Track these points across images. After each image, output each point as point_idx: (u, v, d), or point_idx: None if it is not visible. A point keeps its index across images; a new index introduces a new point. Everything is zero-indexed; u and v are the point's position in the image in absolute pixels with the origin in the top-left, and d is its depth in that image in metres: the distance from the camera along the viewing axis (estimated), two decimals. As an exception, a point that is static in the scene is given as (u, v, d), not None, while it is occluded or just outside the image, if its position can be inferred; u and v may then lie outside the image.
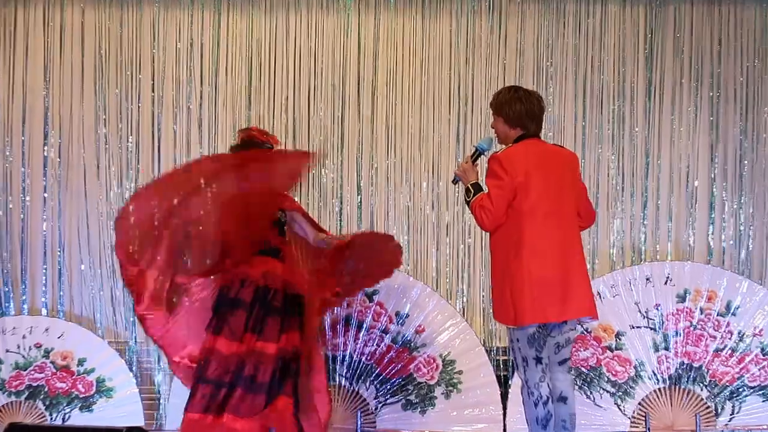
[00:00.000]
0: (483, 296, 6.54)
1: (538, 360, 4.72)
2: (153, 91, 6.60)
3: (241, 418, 5.05)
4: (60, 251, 6.55)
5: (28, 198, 6.57)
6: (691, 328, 6.16)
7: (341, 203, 6.59)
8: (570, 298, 4.69)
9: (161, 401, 6.36)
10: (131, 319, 6.41)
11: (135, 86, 6.60)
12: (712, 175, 6.67)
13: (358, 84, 6.66)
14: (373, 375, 6.15)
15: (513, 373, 6.14)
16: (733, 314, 6.16)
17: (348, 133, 6.64)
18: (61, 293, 6.53)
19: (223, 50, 6.63)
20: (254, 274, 5.24)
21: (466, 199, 4.86)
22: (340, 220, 6.59)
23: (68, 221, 6.56)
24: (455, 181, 4.98)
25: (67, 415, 6.20)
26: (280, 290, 5.25)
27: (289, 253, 5.44)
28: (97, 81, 6.59)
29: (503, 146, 4.90)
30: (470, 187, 4.82)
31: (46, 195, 6.57)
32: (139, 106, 6.60)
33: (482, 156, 4.91)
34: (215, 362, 5.11)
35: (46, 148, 6.57)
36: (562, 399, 4.81)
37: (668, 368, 6.14)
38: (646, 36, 6.67)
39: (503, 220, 4.72)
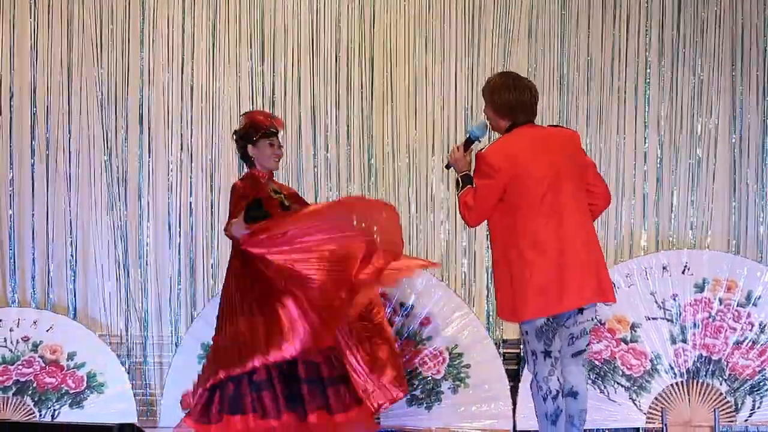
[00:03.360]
0: (491, 286, 6.37)
1: (547, 354, 4.65)
2: (143, 76, 6.50)
3: None
4: (51, 242, 6.46)
5: (15, 188, 6.46)
6: (710, 320, 6.05)
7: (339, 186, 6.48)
8: (569, 287, 4.59)
9: (154, 397, 6.27)
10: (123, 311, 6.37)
11: (128, 72, 6.49)
12: (732, 160, 6.52)
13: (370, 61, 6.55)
14: (377, 369, 6.00)
15: (523, 367, 6.03)
16: (754, 305, 6.04)
17: (351, 110, 6.52)
18: (52, 285, 6.44)
19: (222, 31, 6.53)
20: None
21: (456, 191, 4.81)
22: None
23: (58, 211, 6.47)
24: (448, 167, 4.92)
25: (56, 412, 6.10)
26: None
27: None
28: (87, 65, 6.48)
29: (497, 134, 4.82)
30: (459, 179, 4.77)
31: (34, 185, 6.45)
32: (127, 95, 6.51)
33: (476, 142, 4.84)
34: None
35: (34, 136, 6.46)
36: (573, 394, 4.73)
37: (686, 361, 6.02)
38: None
39: (485, 219, 4.71)
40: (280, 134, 5.50)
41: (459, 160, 4.78)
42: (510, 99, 4.67)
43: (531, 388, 4.75)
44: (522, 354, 4.80)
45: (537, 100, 4.76)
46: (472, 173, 4.73)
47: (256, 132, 5.35)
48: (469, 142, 4.81)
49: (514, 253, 4.61)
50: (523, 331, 4.69)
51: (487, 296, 6.41)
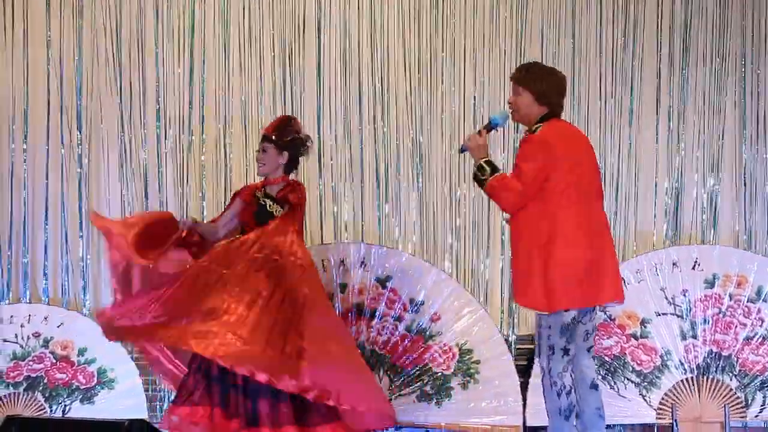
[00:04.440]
0: (503, 282, 6.40)
1: (566, 351, 4.65)
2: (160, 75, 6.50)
3: None
4: (63, 240, 6.45)
5: (28, 183, 6.46)
6: (720, 315, 6.02)
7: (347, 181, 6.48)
8: (604, 281, 4.65)
9: (165, 393, 6.20)
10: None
11: (141, 69, 6.49)
12: (741, 155, 6.49)
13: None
14: (387, 365, 6.02)
15: (534, 363, 5.97)
16: (765, 300, 6.02)
17: (361, 107, 6.50)
18: (63, 282, 6.42)
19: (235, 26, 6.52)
20: None
21: (479, 177, 4.73)
22: (354, 199, 6.48)
23: (71, 208, 6.45)
24: (462, 151, 4.87)
25: (67, 407, 6.10)
26: None
27: None
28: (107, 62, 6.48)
29: (522, 124, 4.83)
30: (484, 165, 4.71)
31: (48, 182, 6.45)
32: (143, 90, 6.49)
33: (494, 131, 4.85)
34: None
35: (48, 134, 6.46)
36: (594, 386, 4.77)
37: (696, 357, 6.00)
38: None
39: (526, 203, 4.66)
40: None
41: (480, 146, 4.73)
42: (553, 86, 4.74)
43: (543, 382, 4.72)
44: (537, 349, 4.72)
45: None
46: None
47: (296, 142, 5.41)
48: (489, 129, 4.79)
49: (548, 241, 4.59)
50: (545, 324, 4.65)
51: (501, 292, 6.39)
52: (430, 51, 6.53)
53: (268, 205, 5.31)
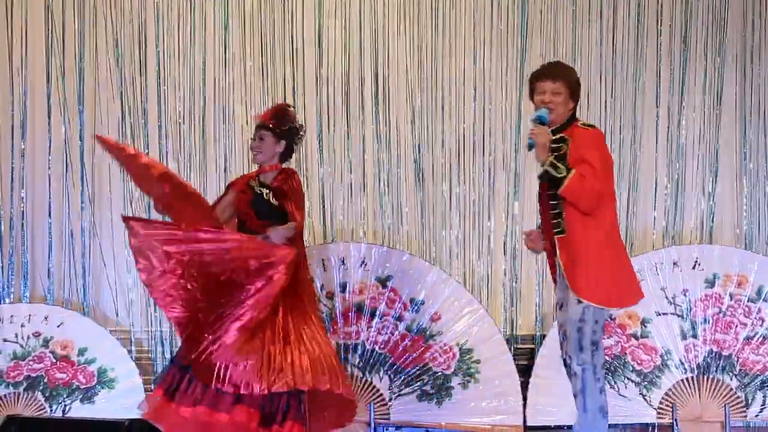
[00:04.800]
0: (505, 282, 6.38)
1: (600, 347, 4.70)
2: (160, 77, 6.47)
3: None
4: (68, 238, 6.42)
5: (28, 183, 6.44)
6: (721, 315, 6.02)
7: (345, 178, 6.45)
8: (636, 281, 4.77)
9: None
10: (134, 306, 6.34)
11: (143, 68, 6.46)
12: (742, 155, 6.48)
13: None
14: (387, 365, 6.02)
15: (534, 363, 6.03)
16: (765, 300, 6.02)
17: (363, 104, 6.49)
18: (63, 281, 6.40)
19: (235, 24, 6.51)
20: None
21: (553, 176, 4.57)
22: (351, 196, 6.44)
23: (72, 208, 6.44)
24: (531, 147, 4.65)
25: (67, 407, 6.08)
26: None
27: None
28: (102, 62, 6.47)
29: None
30: (557, 163, 4.58)
31: (50, 181, 6.43)
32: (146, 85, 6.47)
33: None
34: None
35: (50, 134, 6.43)
36: (602, 387, 4.77)
37: (696, 357, 6.00)
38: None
39: None
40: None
41: (547, 143, 4.60)
42: (579, 84, 4.77)
43: (587, 380, 4.59)
44: (574, 344, 4.60)
45: None
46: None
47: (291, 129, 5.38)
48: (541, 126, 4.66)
49: (608, 237, 4.61)
50: (591, 319, 4.58)
51: (503, 291, 6.38)
52: (432, 49, 6.51)
53: (264, 194, 5.27)
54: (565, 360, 4.67)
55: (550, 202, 4.65)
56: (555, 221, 4.65)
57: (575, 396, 4.64)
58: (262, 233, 5.11)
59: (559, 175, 4.55)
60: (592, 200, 4.55)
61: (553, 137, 4.62)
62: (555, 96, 4.68)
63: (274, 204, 5.24)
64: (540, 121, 4.65)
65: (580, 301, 4.56)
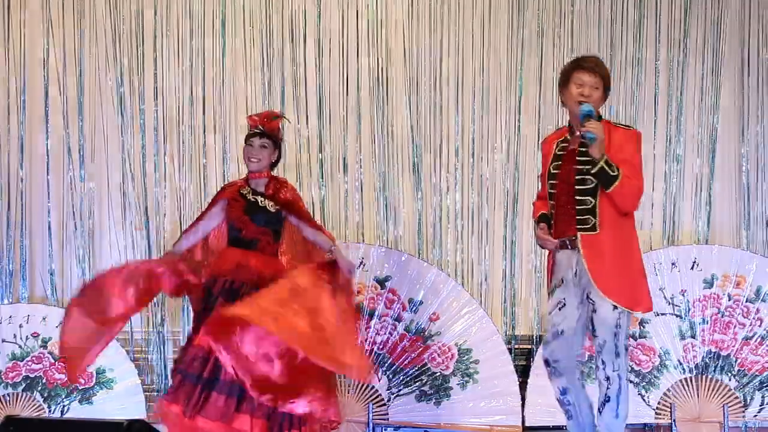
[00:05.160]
0: (505, 282, 6.38)
1: None
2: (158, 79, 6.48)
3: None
4: (59, 238, 6.42)
5: (26, 183, 6.43)
6: (719, 315, 6.01)
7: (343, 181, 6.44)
8: None
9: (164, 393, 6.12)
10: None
11: (141, 68, 6.47)
12: (740, 155, 6.48)
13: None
14: (386, 365, 6.01)
15: (533, 363, 6.04)
16: (763, 300, 6.01)
17: (358, 106, 6.48)
18: (63, 281, 6.42)
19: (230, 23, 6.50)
20: (225, 268, 5.08)
21: (608, 174, 4.47)
22: (348, 196, 6.44)
23: (66, 208, 6.42)
24: (592, 140, 4.47)
25: (65, 408, 6.08)
26: (251, 284, 5.03)
27: (267, 246, 5.20)
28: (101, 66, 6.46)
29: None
30: (617, 167, 4.48)
31: (49, 179, 6.43)
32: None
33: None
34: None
35: (48, 134, 6.42)
36: None
37: (695, 357, 5.99)
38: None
39: None
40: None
41: (604, 139, 4.48)
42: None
43: (624, 386, 4.56)
44: (613, 350, 4.54)
45: None
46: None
47: (246, 135, 5.30)
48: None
49: (634, 239, 4.61)
50: (626, 325, 4.55)
51: (503, 292, 6.37)
52: (430, 49, 6.52)
53: (259, 201, 5.24)
54: (551, 361, 4.61)
55: (578, 197, 4.53)
56: (583, 217, 4.53)
57: (605, 401, 4.55)
58: (257, 239, 5.12)
59: (613, 174, 4.46)
60: (637, 201, 4.57)
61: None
62: (593, 90, 4.60)
63: (271, 211, 5.23)
64: (591, 115, 4.52)
65: (616, 307, 4.50)
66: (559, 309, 4.65)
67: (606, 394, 4.56)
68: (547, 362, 4.66)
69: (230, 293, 5.00)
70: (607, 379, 4.55)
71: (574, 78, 4.61)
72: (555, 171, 4.65)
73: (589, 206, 4.53)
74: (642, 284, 4.60)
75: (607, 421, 4.57)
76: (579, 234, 4.54)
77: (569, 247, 4.59)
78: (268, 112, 5.56)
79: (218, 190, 5.43)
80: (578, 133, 4.57)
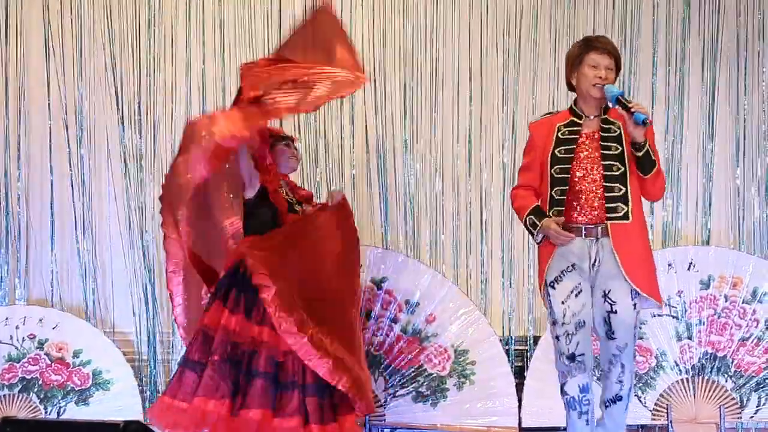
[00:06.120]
0: (503, 281, 6.38)
1: None
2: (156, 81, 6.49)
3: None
4: (56, 239, 6.43)
5: (24, 184, 6.44)
6: (716, 317, 5.99)
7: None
8: None
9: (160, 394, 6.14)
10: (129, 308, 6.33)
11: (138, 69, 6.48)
12: (736, 156, 6.48)
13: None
14: (382, 366, 6.00)
15: (529, 365, 6.05)
16: (760, 301, 5.98)
17: (359, 102, 6.48)
18: (59, 283, 6.42)
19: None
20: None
21: (652, 160, 4.41)
22: (353, 193, 6.45)
23: (64, 210, 6.43)
24: (646, 123, 4.35)
25: (62, 409, 6.07)
26: None
27: None
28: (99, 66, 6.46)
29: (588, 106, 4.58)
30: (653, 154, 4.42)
31: (53, 183, 6.43)
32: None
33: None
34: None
35: (50, 134, 6.43)
36: None
37: (691, 358, 5.97)
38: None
39: None
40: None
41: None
42: None
43: (633, 386, 4.58)
44: (631, 345, 4.56)
45: None
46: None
47: (271, 136, 5.34)
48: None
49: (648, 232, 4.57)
50: (639, 323, 4.56)
51: (499, 292, 6.36)
52: (424, 46, 6.52)
53: (295, 204, 5.32)
54: (577, 355, 4.47)
55: (608, 184, 4.40)
56: (613, 205, 4.41)
57: (616, 399, 4.51)
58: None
59: (654, 159, 4.38)
60: (664, 188, 4.55)
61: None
62: (609, 72, 4.47)
63: (297, 211, 5.29)
64: (623, 97, 4.38)
65: (635, 306, 4.45)
66: (576, 296, 4.49)
67: (618, 394, 4.53)
68: (572, 357, 4.49)
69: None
70: (620, 381, 4.53)
71: (587, 60, 4.48)
72: (565, 155, 4.49)
73: (620, 194, 4.41)
74: (656, 278, 4.55)
75: (616, 416, 4.54)
76: (608, 223, 4.41)
77: (592, 236, 4.44)
78: None
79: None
80: (605, 115, 4.48)
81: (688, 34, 6.47)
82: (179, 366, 4.97)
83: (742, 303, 5.98)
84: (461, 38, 6.49)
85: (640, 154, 4.37)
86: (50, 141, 6.43)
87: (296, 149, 5.38)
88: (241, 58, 6.29)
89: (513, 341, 6.29)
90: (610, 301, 4.45)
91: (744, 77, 6.48)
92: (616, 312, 4.44)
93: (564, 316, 4.50)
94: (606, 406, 4.59)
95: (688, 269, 6.02)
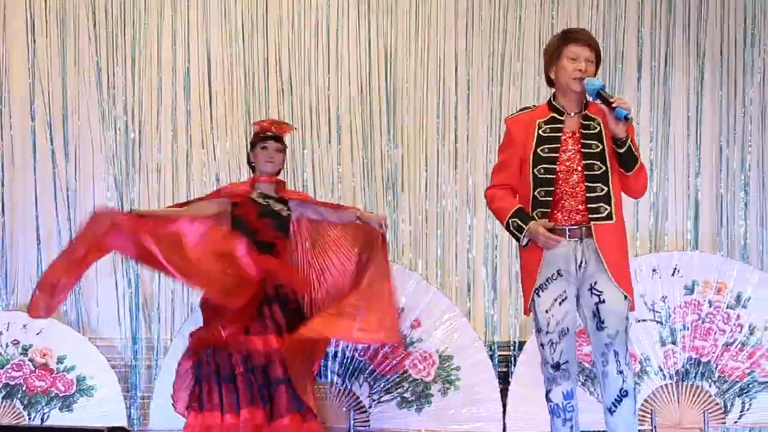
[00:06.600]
0: (485, 288, 6.37)
1: None
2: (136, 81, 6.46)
3: None
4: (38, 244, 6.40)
5: (9, 190, 6.42)
6: (700, 322, 5.99)
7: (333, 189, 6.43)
8: None
9: (145, 400, 6.18)
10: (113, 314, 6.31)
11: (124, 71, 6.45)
12: (719, 162, 6.48)
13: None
14: (367, 372, 5.99)
15: (513, 370, 6.04)
16: (744, 306, 5.99)
17: (339, 111, 6.47)
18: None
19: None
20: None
21: (635, 156, 4.31)
22: (339, 196, 6.43)
23: (48, 214, 6.40)
24: (628, 119, 4.24)
25: (46, 415, 6.04)
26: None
27: (283, 250, 5.34)
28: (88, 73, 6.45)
29: (568, 102, 4.47)
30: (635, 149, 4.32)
31: (37, 188, 6.41)
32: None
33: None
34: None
35: (35, 140, 6.40)
36: None
37: (675, 363, 5.98)
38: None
39: None
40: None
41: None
42: None
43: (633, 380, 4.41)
44: (625, 347, 4.39)
45: None
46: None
47: (255, 138, 5.43)
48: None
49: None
50: (628, 318, 4.42)
51: (484, 296, 6.35)
52: (406, 56, 6.52)
53: (270, 204, 5.31)
54: (561, 363, 4.40)
55: (591, 184, 4.30)
56: (596, 205, 4.31)
57: (622, 396, 4.33)
58: (274, 243, 5.25)
59: (636, 155, 4.29)
60: (647, 185, 4.47)
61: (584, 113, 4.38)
62: (589, 65, 4.34)
63: (282, 215, 5.31)
64: (604, 90, 4.27)
65: (626, 297, 4.34)
66: (560, 304, 4.39)
67: (623, 388, 4.34)
68: (557, 366, 4.42)
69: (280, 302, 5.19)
70: (621, 372, 4.32)
71: (566, 52, 4.36)
72: (549, 155, 4.37)
73: (602, 193, 4.32)
74: (630, 276, 4.45)
75: (626, 416, 4.34)
76: (592, 224, 4.32)
77: (576, 237, 4.35)
78: (273, 119, 5.70)
79: (224, 186, 5.54)
80: (585, 111, 4.39)
81: (673, 35, 6.49)
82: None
83: (726, 308, 5.99)
84: (447, 42, 6.49)
85: (622, 150, 4.26)
86: (34, 145, 6.40)
87: (279, 149, 5.38)
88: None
89: (497, 346, 6.28)
90: (596, 292, 4.34)
91: (727, 81, 6.49)
92: (604, 302, 4.32)
93: (548, 324, 4.42)
94: (612, 411, 4.39)
95: (673, 274, 6.02)
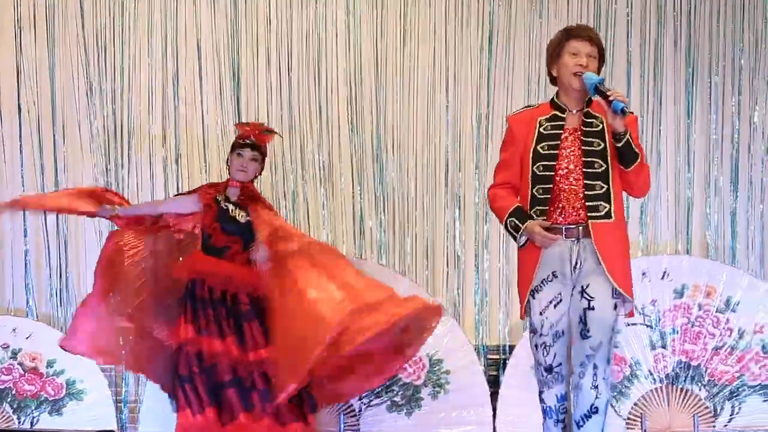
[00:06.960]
0: (475, 291, 6.36)
1: None
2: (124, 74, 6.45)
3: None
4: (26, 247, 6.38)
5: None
6: (689, 325, 6.00)
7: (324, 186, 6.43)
8: None
9: (134, 404, 6.17)
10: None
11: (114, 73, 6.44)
12: (711, 166, 6.48)
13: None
14: (357, 375, 5.95)
15: (503, 374, 6.02)
16: (733, 310, 6.01)
17: (330, 103, 6.46)
18: (33, 293, 6.35)
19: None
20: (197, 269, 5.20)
21: (635, 153, 4.23)
22: (327, 200, 6.42)
23: (37, 218, 6.35)
24: (624, 113, 4.16)
25: (35, 419, 6.04)
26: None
27: (237, 254, 5.27)
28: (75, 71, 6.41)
29: (571, 99, 4.41)
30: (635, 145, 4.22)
31: (24, 189, 6.38)
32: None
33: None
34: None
35: (21, 142, 6.39)
36: None
37: (665, 367, 5.98)
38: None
39: None
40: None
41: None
42: None
43: (609, 400, 4.39)
44: (610, 351, 4.32)
45: None
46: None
47: (234, 141, 5.39)
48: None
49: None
50: (616, 328, 4.33)
51: (472, 301, 6.35)
52: (396, 52, 6.51)
53: (230, 210, 5.29)
54: (554, 366, 4.34)
55: (590, 182, 4.23)
56: (594, 204, 4.23)
57: (592, 412, 4.29)
58: (227, 247, 5.21)
59: (637, 152, 4.21)
60: (650, 183, 4.36)
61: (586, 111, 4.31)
62: (591, 60, 4.26)
63: (240, 221, 5.26)
64: (602, 84, 4.19)
65: (615, 306, 4.25)
66: (555, 306, 4.33)
67: (594, 405, 4.29)
68: (550, 368, 4.36)
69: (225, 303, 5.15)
70: (596, 387, 4.26)
71: (568, 48, 4.29)
72: (548, 152, 4.30)
73: (601, 192, 4.23)
74: (631, 276, 4.38)
75: None
76: (590, 222, 4.25)
77: (573, 236, 4.28)
78: (259, 123, 5.58)
79: (202, 185, 5.51)
80: (587, 109, 4.33)
81: (663, 38, 6.51)
82: None
83: (716, 312, 6.00)
84: (436, 42, 6.49)
85: (619, 144, 4.19)
86: (20, 148, 6.39)
87: (255, 158, 5.31)
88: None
89: (487, 350, 6.28)
90: (587, 297, 4.25)
91: (715, 87, 6.50)
92: (593, 308, 4.23)
93: (542, 326, 4.36)
94: (579, 426, 4.33)
95: (662, 278, 6.03)
